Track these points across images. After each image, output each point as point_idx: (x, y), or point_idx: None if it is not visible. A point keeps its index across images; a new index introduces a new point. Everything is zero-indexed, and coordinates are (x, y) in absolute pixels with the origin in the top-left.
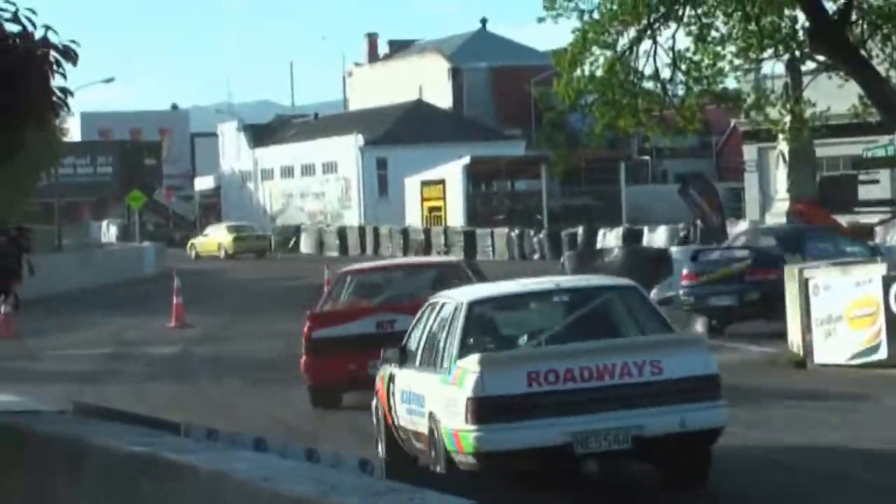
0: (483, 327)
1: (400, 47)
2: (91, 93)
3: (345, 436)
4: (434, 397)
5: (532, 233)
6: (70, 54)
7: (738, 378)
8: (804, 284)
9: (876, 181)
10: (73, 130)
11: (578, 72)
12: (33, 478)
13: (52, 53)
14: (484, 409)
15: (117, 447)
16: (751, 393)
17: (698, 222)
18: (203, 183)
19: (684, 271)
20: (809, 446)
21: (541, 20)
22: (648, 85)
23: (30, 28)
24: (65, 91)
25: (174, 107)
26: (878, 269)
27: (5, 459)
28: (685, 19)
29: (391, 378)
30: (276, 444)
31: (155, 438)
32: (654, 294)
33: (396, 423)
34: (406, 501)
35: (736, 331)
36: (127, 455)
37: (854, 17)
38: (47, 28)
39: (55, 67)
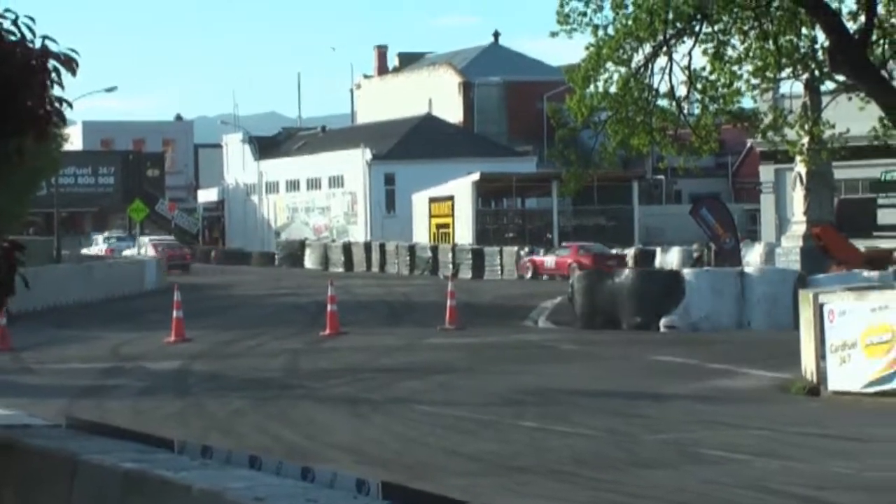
0: None
1: (410, 60)
2: (93, 101)
3: (343, 455)
4: None
5: (542, 252)
6: (70, 64)
7: (748, 405)
8: (819, 310)
9: None
10: (74, 139)
11: (592, 88)
12: (24, 493)
13: (52, 62)
14: None
15: (109, 463)
16: (760, 420)
17: (711, 245)
18: (206, 195)
19: None
20: (819, 475)
21: (554, 35)
22: (663, 103)
23: (28, 36)
24: (63, 101)
25: (178, 117)
26: (895, 296)
27: None
28: (701, 36)
29: None
30: (270, 463)
31: (148, 455)
32: (663, 321)
33: None
34: None
35: (748, 356)
36: (118, 472)
37: (875, 36)
38: (45, 37)
39: (54, 77)
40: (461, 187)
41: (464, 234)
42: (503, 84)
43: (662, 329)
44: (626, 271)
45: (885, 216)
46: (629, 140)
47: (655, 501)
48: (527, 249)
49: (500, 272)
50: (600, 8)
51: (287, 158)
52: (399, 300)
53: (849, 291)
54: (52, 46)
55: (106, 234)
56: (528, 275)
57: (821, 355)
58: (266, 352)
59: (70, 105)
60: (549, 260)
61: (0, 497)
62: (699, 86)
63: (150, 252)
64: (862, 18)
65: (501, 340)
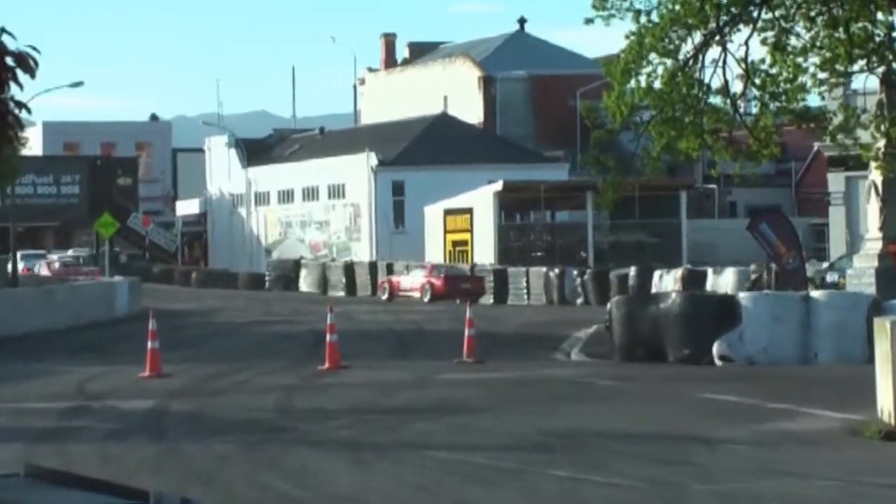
0: None
1: (422, 51)
2: (56, 99)
3: None
4: None
5: (575, 273)
6: (27, 63)
7: (813, 450)
8: None
9: None
10: (33, 143)
11: (633, 83)
12: None
13: (8, 61)
14: None
15: None
16: (827, 468)
17: (772, 265)
18: (186, 207)
19: None
20: None
21: (589, 21)
22: (715, 100)
23: None
24: (20, 105)
25: (154, 117)
26: None
27: None
28: (760, 24)
29: None
30: None
31: None
32: (716, 349)
33: None
34: None
35: (814, 394)
36: None
37: None
38: (2, 31)
39: (10, 77)
40: (481, 198)
41: (484, 252)
42: (529, 78)
43: (716, 362)
44: (673, 294)
45: None
46: (676, 143)
47: None
48: (557, 271)
49: (526, 296)
50: None
51: (279, 165)
52: (409, 329)
53: None
54: (9, 42)
55: (25, 251)
56: (385, 296)
57: None
58: (255, 388)
59: (28, 110)
60: (404, 281)
61: None
62: (757, 81)
63: (43, 271)
64: None
65: (527, 375)
